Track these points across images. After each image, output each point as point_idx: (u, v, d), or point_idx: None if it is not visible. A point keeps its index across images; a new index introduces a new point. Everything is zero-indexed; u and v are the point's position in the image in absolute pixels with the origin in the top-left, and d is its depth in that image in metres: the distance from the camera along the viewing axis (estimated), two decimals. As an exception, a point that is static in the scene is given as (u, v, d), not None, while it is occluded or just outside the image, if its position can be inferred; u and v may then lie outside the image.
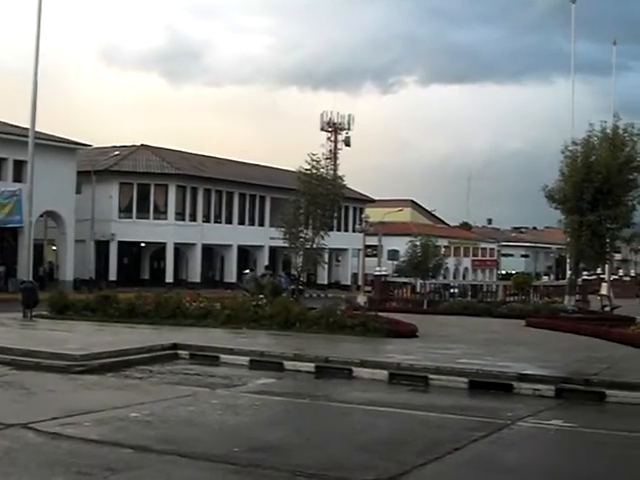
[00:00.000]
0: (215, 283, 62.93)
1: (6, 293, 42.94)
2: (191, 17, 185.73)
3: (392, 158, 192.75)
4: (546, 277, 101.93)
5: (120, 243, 59.78)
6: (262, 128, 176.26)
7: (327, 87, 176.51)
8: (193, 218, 62.86)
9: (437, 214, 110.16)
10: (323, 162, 29.04)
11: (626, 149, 29.12)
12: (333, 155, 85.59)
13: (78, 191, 54.58)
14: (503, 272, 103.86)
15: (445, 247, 74.94)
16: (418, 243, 37.17)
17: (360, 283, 62.99)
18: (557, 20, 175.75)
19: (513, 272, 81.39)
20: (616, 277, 63.57)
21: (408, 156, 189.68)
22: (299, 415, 12.18)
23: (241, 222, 67.32)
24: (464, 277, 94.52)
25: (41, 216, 48.54)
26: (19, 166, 45.44)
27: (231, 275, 63.24)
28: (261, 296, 25.40)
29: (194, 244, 62.38)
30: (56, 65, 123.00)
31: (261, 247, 66.80)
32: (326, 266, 56.43)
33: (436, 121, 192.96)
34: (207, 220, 64.05)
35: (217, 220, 65.51)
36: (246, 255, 67.91)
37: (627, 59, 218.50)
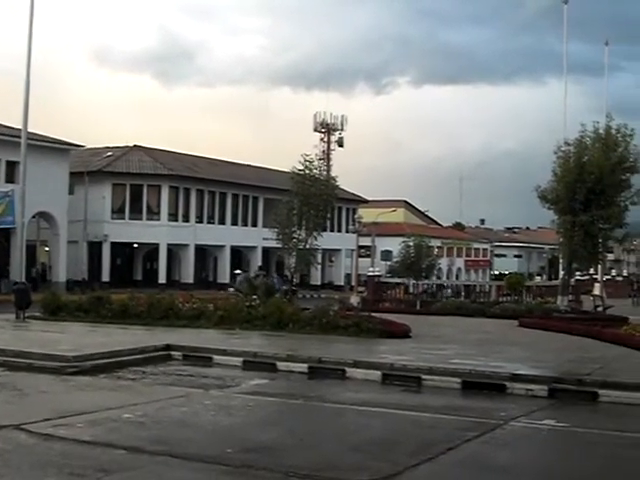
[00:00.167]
0: (208, 284, 62.84)
1: (-1, 294, 42.80)
2: (184, 18, 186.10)
3: (385, 159, 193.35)
4: (539, 277, 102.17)
5: (113, 244, 59.61)
6: (255, 129, 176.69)
7: (320, 88, 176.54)
8: (186, 219, 62.74)
9: (430, 214, 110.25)
10: (316, 163, 29.01)
11: (619, 149, 29.14)
12: (326, 156, 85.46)
13: (71, 192, 54.40)
14: (496, 272, 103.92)
15: (438, 247, 74.91)
16: (411, 243, 37.20)
17: (353, 284, 62.98)
18: (549, 21, 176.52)
19: (506, 272, 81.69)
20: (609, 277, 63.87)
21: (401, 157, 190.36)
22: (292, 416, 12.18)
23: (234, 223, 67.23)
24: (457, 277, 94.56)
25: (33, 217, 48.39)
26: (11, 167, 45.30)
27: (224, 276, 63.09)
28: (254, 297, 25.40)
29: (187, 245, 62.27)
30: (48, 66, 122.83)
31: (254, 248, 66.71)
32: (319, 267, 56.38)
33: (429, 122, 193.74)
34: (200, 221, 63.95)
35: (210, 221, 65.42)
36: (239, 256, 67.82)
37: (619, 59, 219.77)
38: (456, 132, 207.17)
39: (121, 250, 62.29)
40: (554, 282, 49.86)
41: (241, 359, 16.81)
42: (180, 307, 24.32)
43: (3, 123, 47.17)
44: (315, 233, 28.16)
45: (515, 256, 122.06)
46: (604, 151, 28.97)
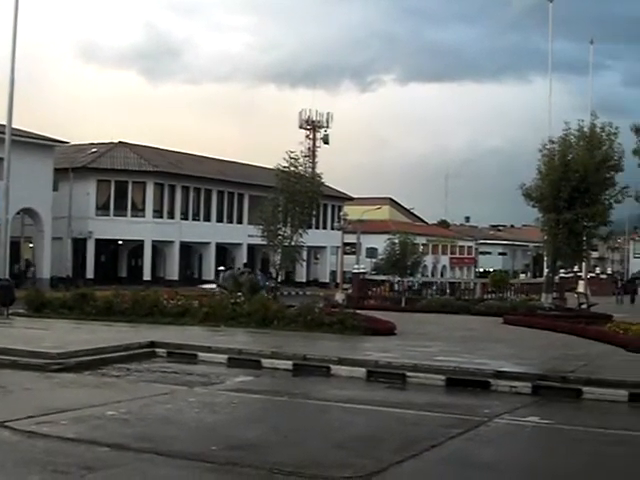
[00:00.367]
0: (193, 281, 62.71)
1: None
2: (170, 15, 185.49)
3: (371, 156, 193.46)
4: (523, 275, 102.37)
5: (97, 241, 59.43)
6: (240, 126, 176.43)
7: (306, 85, 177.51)
8: (171, 215, 62.67)
9: (415, 212, 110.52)
10: (301, 160, 28.97)
11: (603, 148, 29.28)
12: (312, 153, 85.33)
13: (55, 188, 54.21)
14: (481, 270, 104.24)
15: (423, 245, 75.14)
16: (396, 241, 37.31)
17: (338, 281, 62.89)
18: (535, 19, 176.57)
19: (491, 270, 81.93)
20: (593, 275, 64.11)
21: (387, 154, 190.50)
22: (277, 413, 12.17)
23: (219, 220, 67.17)
24: (442, 275, 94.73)
25: (18, 213, 48.09)
26: (-5, 163, 45.00)
27: (209, 273, 62.93)
28: (239, 294, 25.37)
29: (172, 242, 62.20)
30: (34, 62, 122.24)
31: (239, 245, 66.69)
32: (304, 264, 56.42)
33: (415, 119, 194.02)
34: (185, 218, 63.89)
35: (195, 218, 65.34)
36: (224, 253, 67.77)
37: (604, 58, 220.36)
38: (442, 130, 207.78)
39: (106, 247, 62.12)
40: (539, 280, 50.02)
41: (226, 356, 16.79)
42: (165, 304, 24.27)
43: (-13, 119, 46.90)
44: (300, 230, 28.15)
45: (500, 254, 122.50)
46: (589, 149, 29.11)
